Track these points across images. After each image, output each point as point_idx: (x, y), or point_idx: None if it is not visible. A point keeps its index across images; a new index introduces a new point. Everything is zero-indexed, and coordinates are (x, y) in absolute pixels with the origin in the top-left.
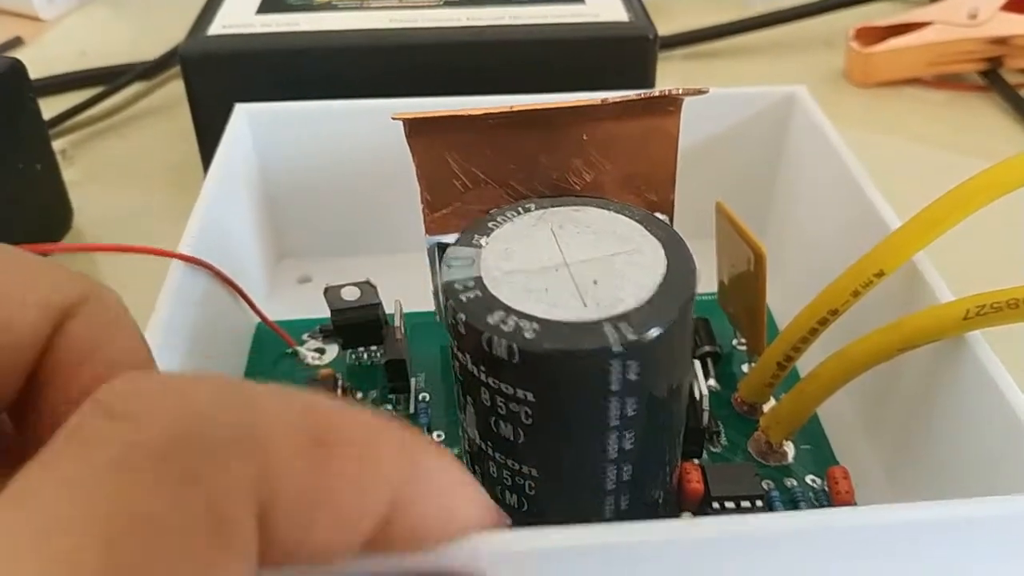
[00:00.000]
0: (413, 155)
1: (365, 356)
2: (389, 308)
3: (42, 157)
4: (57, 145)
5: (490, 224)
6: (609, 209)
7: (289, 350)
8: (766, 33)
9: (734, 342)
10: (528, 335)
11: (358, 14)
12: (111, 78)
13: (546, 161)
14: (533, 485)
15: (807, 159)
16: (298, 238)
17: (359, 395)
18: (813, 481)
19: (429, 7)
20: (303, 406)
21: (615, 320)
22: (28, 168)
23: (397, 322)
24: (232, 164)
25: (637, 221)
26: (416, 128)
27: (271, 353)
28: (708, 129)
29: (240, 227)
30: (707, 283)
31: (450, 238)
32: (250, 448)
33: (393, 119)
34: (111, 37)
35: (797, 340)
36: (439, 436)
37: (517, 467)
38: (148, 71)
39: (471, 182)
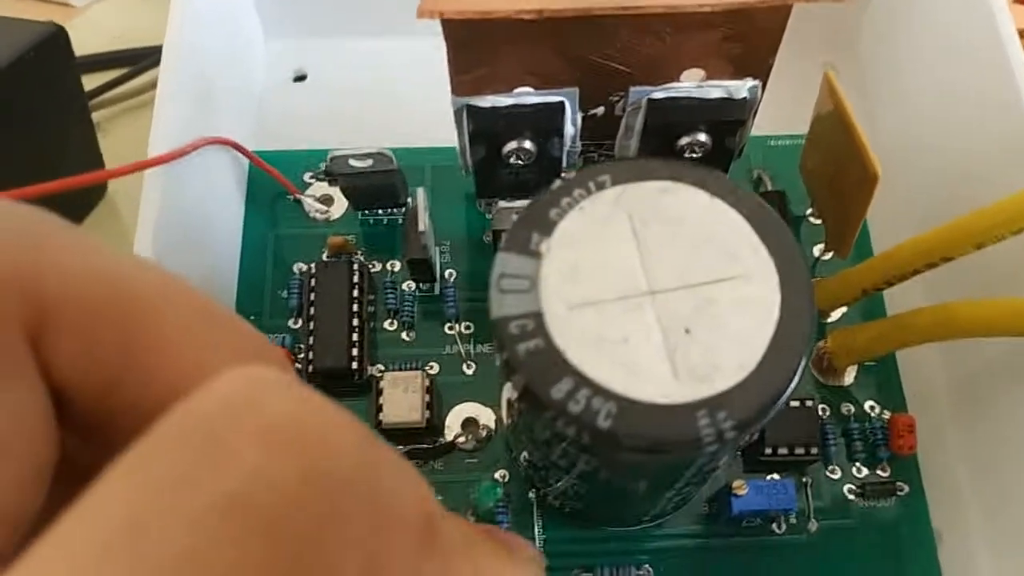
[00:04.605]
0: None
1: (383, 216)
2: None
3: (80, 123)
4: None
5: (552, 213)
6: (706, 189)
7: (291, 197)
8: None
9: (808, 212)
10: (603, 422)
11: None
12: (146, 57)
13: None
14: (582, 493)
15: None
16: (286, 21)
17: (377, 266)
18: (872, 409)
19: None
20: (418, 497)
21: (711, 405)
22: (67, 134)
23: (422, 212)
24: None
25: (745, 217)
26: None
27: (267, 194)
28: None
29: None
30: (788, 122)
31: (481, 100)
32: (367, 530)
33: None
34: (143, 22)
35: (894, 276)
36: (468, 328)
37: (572, 485)
38: None
39: (508, 40)
